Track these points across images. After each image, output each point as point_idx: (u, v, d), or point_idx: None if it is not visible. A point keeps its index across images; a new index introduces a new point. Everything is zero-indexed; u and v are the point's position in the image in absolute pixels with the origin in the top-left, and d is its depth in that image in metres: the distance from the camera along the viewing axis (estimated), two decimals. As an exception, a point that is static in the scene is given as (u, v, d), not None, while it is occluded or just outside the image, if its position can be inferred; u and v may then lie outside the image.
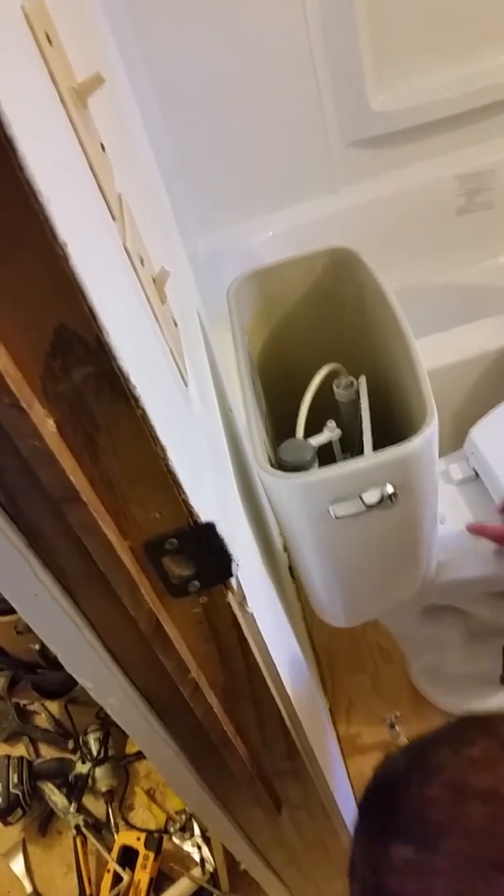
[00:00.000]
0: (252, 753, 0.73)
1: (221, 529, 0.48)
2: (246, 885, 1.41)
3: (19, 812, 1.58)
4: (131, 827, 1.57)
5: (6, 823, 1.58)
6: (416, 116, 1.77)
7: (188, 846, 1.51)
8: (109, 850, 1.51)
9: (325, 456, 1.01)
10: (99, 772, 1.62)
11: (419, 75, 1.71)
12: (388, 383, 1.04)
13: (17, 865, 1.59)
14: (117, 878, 1.45)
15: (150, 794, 1.62)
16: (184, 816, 1.54)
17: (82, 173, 0.46)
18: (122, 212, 0.54)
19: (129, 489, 0.43)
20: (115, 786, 1.62)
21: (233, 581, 0.52)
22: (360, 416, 1.01)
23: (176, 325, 0.70)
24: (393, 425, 1.02)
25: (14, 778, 1.59)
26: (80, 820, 1.57)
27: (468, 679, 1.51)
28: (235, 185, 1.80)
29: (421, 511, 0.92)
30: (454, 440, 1.29)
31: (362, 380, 1.06)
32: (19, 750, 1.75)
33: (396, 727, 1.50)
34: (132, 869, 1.46)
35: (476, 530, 1.15)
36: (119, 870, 1.45)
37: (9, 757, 1.63)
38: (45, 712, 1.78)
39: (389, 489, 0.82)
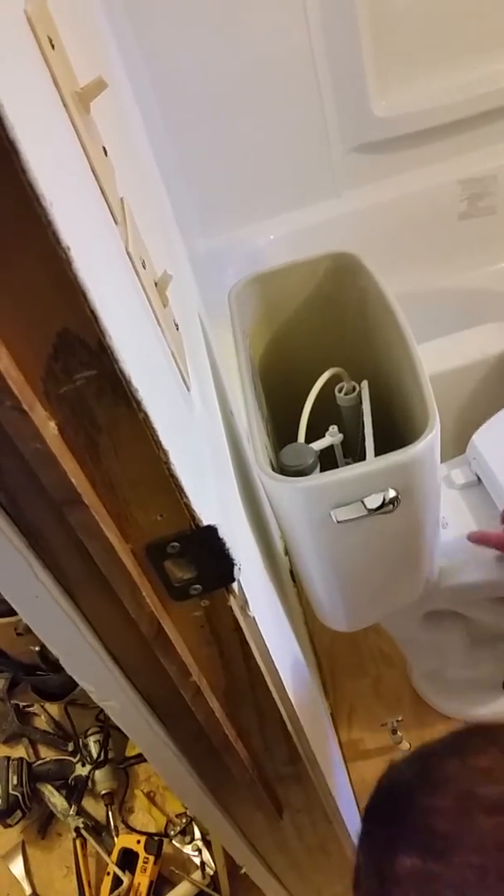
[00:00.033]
0: (253, 757, 0.73)
1: (223, 533, 0.48)
2: (246, 889, 1.41)
3: (19, 814, 1.58)
4: (131, 830, 1.57)
5: (6, 825, 1.58)
6: (418, 122, 1.77)
7: (188, 849, 1.50)
8: (109, 852, 1.51)
9: (327, 461, 1.01)
10: (99, 774, 1.62)
11: (421, 81, 1.72)
12: (389, 388, 1.04)
13: (17, 867, 1.58)
14: (117, 881, 1.44)
15: (151, 797, 1.62)
16: (184, 820, 1.54)
17: (85, 177, 0.46)
18: (125, 215, 0.55)
19: (130, 492, 0.43)
20: (114, 788, 1.61)
21: (234, 585, 0.52)
22: (362, 420, 1.01)
23: (177, 328, 0.70)
24: (395, 430, 1.02)
25: (14, 780, 1.59)
26: (80, 822, 1.57)
27: (470, 684, 1.51)
28: (237, 187, 1.81)
29: (423, 516, 0.92)
30: (456, 445, 1.29)
31: (364, 384, 1.06)
32: (19, 751, 1.75)
33: (398, 732, 1.50)
34: (132, 872, 1.46)
35: (478, 539, 1.14)
36: (119, 873, 1.45)
37: (8, 758, 1.63)
38: (45, 714, 1.77)
39: (391, 494, 0.82)
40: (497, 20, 1.65)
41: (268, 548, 1.08)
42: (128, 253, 0.53)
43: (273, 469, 0.85)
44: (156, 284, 0.62)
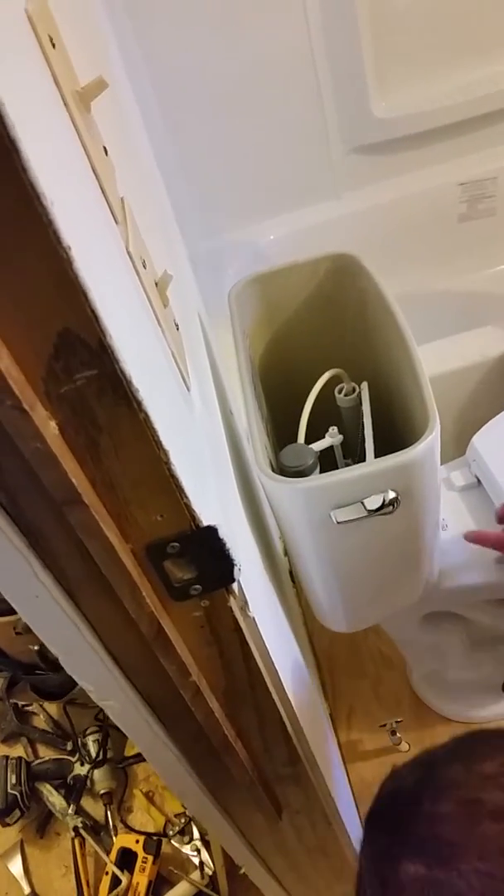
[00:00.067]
0: (253, 758, 0.72)
1: (223, 533, 0.48)
2: (245, 889, 1.41)
3: (17, 813, 1.58)
4: (130, 829, 1.57)
5: (4, 824, 1.58)
6: (418, 123, 1.77)
7: (187, 849, 1.50)
8: (108, 852, 1.51)
9: (327, 462, 1.01)
10: (97, 774, 1.62)
11: (421, 82, 1.72)
12: (389, 389, 1.04)
13: (15, 866, 1.58)
14: (116, 881, 1.44)
15: (149, 797, 1.62)
16: (183, 820, 1.54)
17: (85, 176, 0.46)
18: (125, 215, 0.55)
19: (130, 492, 0.43)
20: (113, 788, 1.61)
21: (234, 585, 0.52)
22: (362, 421, 1.01)
23: (178, 328, 0.70)
24: (395, 431, 1.02)
25: (12, 779, 1.59)
26: (79, 822, 1.57)
27: (469, 686, 1.51)
28: (237, 187, 1.81)
29: (423, 517, 0.92)
30: (456, 447, 1.29)
31: (364, 386, 1.06)
32: (17, 751, 1.75)
33: (397, 733, 1.50)
34: (131, 872, 1.46)
35: (475, 539, 1.14)
36: (118, 872, 1.45)
37: (7, 757, 1.63)
38: (44, 713, 1.78)
39: (391, 495, 0.82)
40: (497, 21, 1.65)
41: (267, 548, 1.08)
42: (128, 253, 0.53)
43: (273, 470, 0.85)
44: (156, 284, 0.62)
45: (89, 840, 1.55)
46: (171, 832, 1.53)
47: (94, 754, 1.64)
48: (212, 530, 0.47)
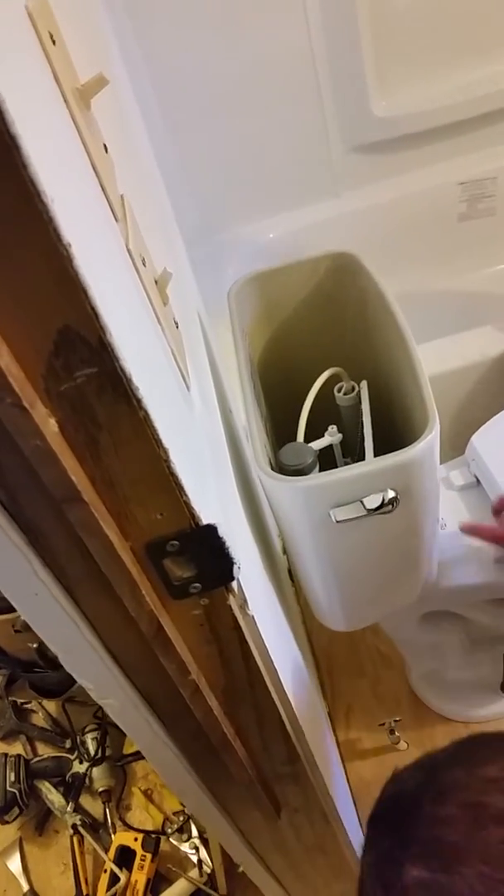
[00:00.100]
0: (252, 756, 0.72)
1: (223, 532, 0.48)
2: (244, 887, 1.41)
3: (16, 810, 1.58)
4: (129, 827, 1.57)
5: (3, 822, 1.58)
6: (418, 123, 1.77)
7: (186, 847, 1.50)
8: (106, 850, 1.51)
9: (326, 460, 1.01)
10: (96, 772, 1.62)
11: (421, 82, 1.72)
12: (389, 388, 1.04)
13: (14, 864, 1.59)
14: (114, 879, 1.44)
15: (148, 795, 1.62)
16: (181, 817, 1.54)
17: (85, 173, 0.46)
18: (125, 213, 0.55)
19: (130, 490, 0.43)
20: (112, 786, 1.61)
21: (234, 584, 0.52)
22: (361, 420, 1.01)
23: (177, 326, 0.70)
24: (394, 430, 1.02)
25: (11, 776, 1.59)
26: (78, 819, 1.57)
27: (468, 685, 1.51)
28: (237, 187, 1.81)
29: (422, 517, 0.92)
30: (455, 446, 1.29)
31: (363, 385, 1.06)
32: (16, 748, 1.75)
33: (396, 732, 1.50)
34: (129, 869, 1.46)
35: (469, 530, 1.14)
36: (116, 870, 1.45)
37: (6, 755, 1.63)
38: (43, 711, 1.78)
39: (391, 494, 0.82)
40: (497, 21, 1.65)
41: (266, 546, 1.08)
42: (128, 250, 0.53)
43: (272, 468, 0.85)
44: (156, 282, 0.62)
45: (88, 838, 1.55)
46: (169, 830, 1.53)
47: (92, 752, 1.64)
48: (211, 529, 0.47)
